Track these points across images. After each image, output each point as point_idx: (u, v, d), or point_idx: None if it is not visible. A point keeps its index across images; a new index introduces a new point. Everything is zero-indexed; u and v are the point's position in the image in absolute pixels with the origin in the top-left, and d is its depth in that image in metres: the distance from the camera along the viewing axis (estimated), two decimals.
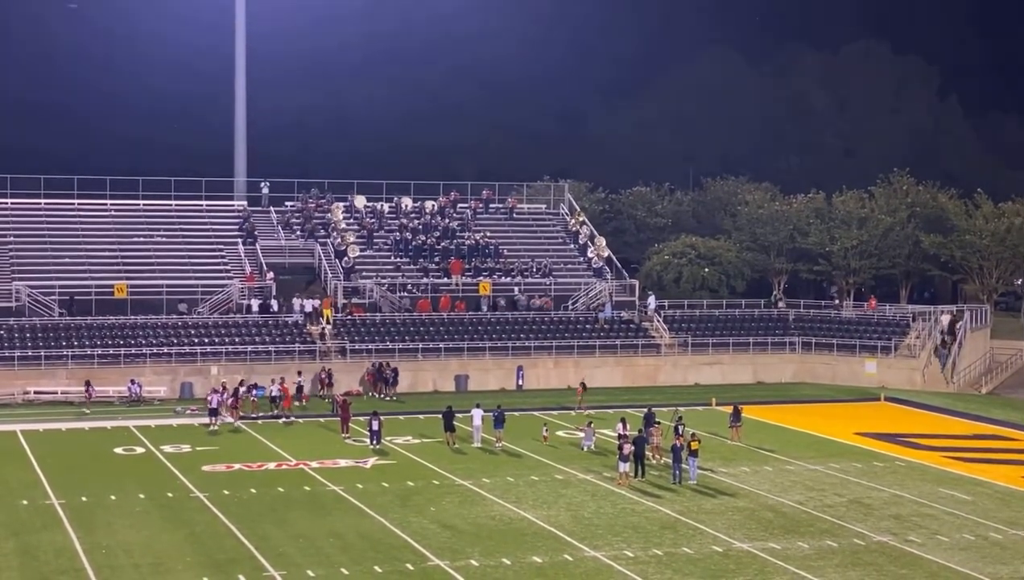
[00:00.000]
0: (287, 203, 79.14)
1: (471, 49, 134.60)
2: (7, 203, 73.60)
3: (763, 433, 53.84)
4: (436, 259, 74.52)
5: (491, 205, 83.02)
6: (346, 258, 72.22)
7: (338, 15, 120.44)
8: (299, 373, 60.63)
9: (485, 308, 71.26)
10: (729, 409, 53.90)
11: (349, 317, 67.73)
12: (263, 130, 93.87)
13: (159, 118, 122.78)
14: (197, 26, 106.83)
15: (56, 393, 59.50)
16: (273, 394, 56.98)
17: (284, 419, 55.55)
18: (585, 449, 49.18)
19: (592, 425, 50.71)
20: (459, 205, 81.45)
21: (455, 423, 50.10)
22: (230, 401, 54.72)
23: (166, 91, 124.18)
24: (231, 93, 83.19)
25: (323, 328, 65.93)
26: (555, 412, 58.27)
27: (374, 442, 49.22)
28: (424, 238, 76.01)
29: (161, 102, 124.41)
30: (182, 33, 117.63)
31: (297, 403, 58.35)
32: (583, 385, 61.29)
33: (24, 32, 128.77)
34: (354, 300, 69.55)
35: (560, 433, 52.70)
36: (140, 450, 48.76)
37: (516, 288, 73.23)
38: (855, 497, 41.87)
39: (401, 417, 56.24)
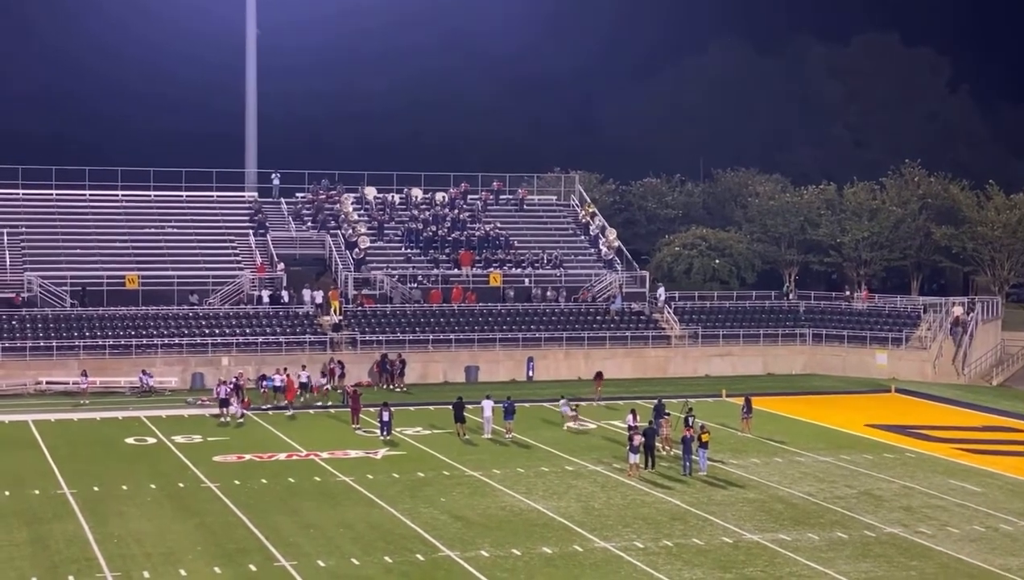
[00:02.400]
0: (298, 194, 79.22)
1: (481, 40, 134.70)
2: (19, 194, 73.80)
3: (773, 425, 53.78)
4: (447, 250, 74.53)
5: (501, 196, 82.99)
6: (356, 249, 72.23)
7: (349, 6, 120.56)
8: (303, 366, 60.12)
9: (507, 298, 71.30)
10: (739, 400, 53.89)
11: (360, 308, 67.80)
12: (274, 121, 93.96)
13: (171, 109, 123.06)
14: (209, 16, 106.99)
15: (68, 383, 59.60)
16: (276, 385, 56.99)
17: (287, 412, 55.48)
18: (570, 417, 52.61)
19: (566, 399, 54.24)
20: (469, 196, 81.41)
21: (465, 414, 50.23)
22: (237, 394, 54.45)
23: (178, 82, 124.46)
24: (242, 84, 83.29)
25: (338, 320, 65.98)
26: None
27: (384, 433, 49.33)
28: (435, 229, 76.00)
29: (173, 92, 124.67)
30: (194, 23, 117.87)
31: (301, 397, 57.93)
32: (599, 375, 61.06)
33: (37, 24, 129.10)
34: (364, 291, 69.62)
35: (571, 424, 52.75)
36: (151, 440, 48.90)
37: (527, 280, 73.25)
38: (865, 489, 41.83)
39: (411, 408, 56.29)
